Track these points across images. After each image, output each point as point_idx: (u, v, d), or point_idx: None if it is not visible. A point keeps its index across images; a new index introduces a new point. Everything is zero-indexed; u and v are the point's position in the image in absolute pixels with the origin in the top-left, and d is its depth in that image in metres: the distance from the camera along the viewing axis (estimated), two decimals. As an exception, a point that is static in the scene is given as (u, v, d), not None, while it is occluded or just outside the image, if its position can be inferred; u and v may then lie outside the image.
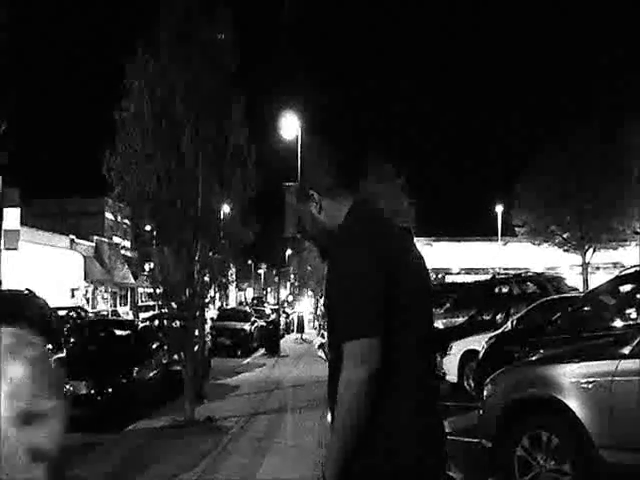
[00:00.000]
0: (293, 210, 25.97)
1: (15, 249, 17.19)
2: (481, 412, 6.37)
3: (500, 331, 11.31)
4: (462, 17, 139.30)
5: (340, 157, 2.25)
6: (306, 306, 47.62)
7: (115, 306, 38.46)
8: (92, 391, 9.83)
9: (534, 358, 6.87)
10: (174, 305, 9.88)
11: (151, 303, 27.26)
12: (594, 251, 36.62)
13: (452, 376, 12.13)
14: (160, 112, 9.57)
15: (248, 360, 21.32)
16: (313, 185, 2.22)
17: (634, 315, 8.54)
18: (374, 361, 1.85)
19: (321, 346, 2.63)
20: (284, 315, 38.86)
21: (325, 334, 2.59)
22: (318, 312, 50.63)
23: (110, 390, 9.95)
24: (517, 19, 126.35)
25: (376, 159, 41.38)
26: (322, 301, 2.53)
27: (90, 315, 25.71)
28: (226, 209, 11.01)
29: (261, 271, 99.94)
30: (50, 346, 7.99)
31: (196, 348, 10.47)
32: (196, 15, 9.96)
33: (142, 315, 26.19)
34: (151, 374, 11.62)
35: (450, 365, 12.20)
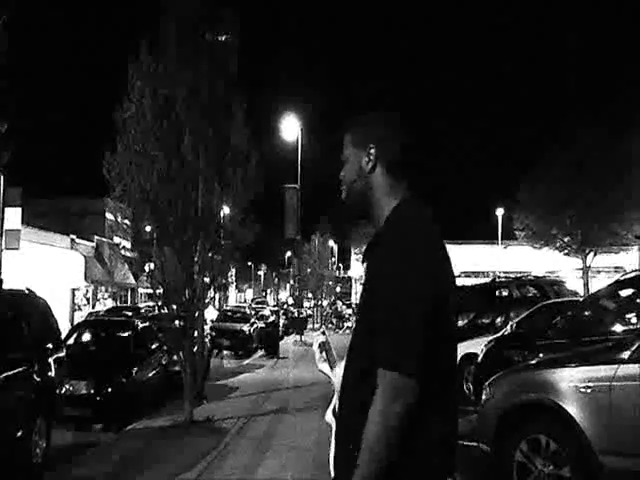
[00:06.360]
0: (293, 209, 25.86)
1: (16, 249, 17.19)
2: (480, 416, 6.38)
3: (499, 335, 11.30)
4: (465, 15, 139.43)
5: (415, 149, 2.07)
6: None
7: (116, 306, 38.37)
8: (92, 391, 9.84)
9: (533, 362, 6.87)
10: (174, 306, 9.89)
11: (151, 304, 27.25)
12: (595, 255, 36.58)
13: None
14: (162, 113, 9.58)
15: (247, 361, 21.33)
16: (379, 144, 2.00)
17: (634, 320, 8.53)
18: (411, 396, 1.80)
19: (321, 346, 2.40)
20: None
21: (326, 331, 2.45)
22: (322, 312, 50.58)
23: (110, 390, 9.95)
24: (521, 19, 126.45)
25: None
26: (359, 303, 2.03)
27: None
28: (227, 210, 11.01)
29: (261, 272, 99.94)
30: (50, 346, 7.99)
31: (195, 349, 10.47)
32: (201, 16, 9.96)
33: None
34: (151, 374, 11.63)
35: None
